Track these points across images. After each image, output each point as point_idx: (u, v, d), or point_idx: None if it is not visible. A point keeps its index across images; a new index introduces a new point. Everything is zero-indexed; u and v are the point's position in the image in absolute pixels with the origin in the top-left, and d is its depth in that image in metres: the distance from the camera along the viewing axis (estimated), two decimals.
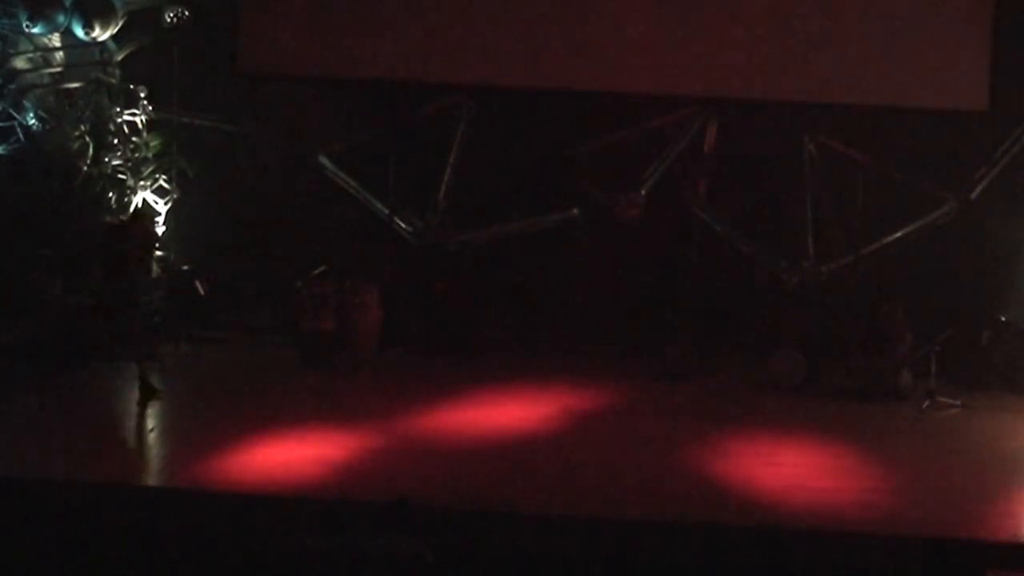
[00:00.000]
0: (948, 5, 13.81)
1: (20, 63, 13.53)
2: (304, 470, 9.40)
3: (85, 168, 13.75)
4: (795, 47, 13.85)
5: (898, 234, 13.45)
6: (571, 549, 8.25)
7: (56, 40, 13.76)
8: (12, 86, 13.39)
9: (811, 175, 13.47)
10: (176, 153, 14.21)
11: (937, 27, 13.77)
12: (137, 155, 14.13)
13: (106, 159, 13.91)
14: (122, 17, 13.86)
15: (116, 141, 13.96)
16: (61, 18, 13.50)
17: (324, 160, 14.02)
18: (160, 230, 14.01)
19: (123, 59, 14.16)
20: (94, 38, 13.70)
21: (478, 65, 14.19)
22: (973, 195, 13.37)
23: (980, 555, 7.96)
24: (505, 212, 14.10)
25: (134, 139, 14.11)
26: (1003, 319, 12.93)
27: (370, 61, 14.19)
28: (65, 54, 13.85)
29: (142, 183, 14.14)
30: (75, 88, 13.81)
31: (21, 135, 13.38)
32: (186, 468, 9.41)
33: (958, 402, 11.90)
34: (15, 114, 13.34)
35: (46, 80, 13.70)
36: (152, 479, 9.54)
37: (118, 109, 14.02)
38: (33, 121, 13.45)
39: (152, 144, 14.28)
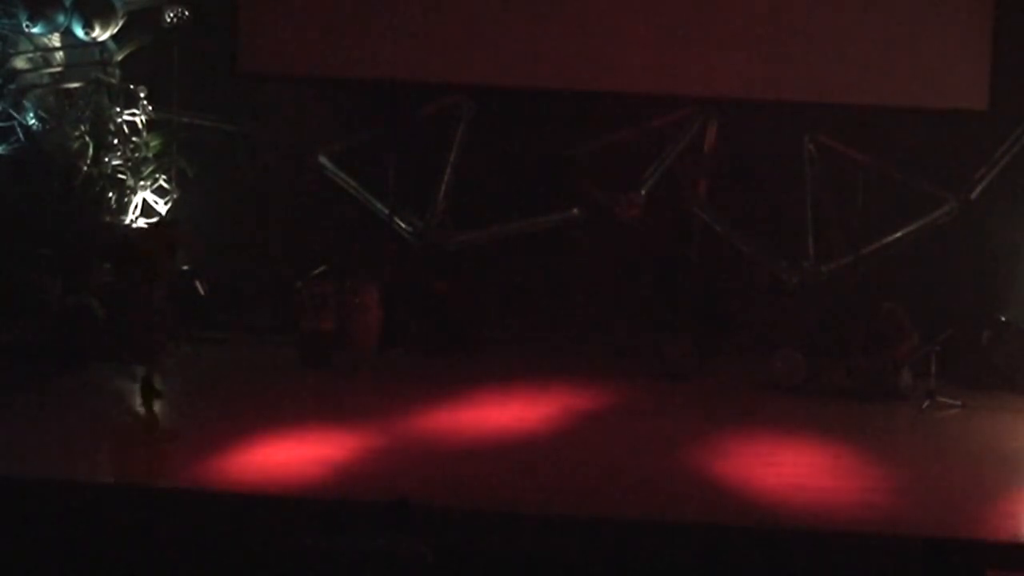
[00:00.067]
0: (948, 5, 13.80)
1: (20, 63, 13.54)
2: (304, 470, 9.40)
3: (85, 168, 13.75)
4: (795, 47, 13.84)
5: (898, 234, 13.44)
6: (571, 549, 8.25)
7: (56, 40, 13.76)
8: (12, 86, 13.40)
9: (811, 175, 13.46)
10: (176, 153, 14.21)
11: (937, 27, 13.76)
12: (137, 155, 14.13)
13: (106, 159, 13.91)
14: (122, 17, 13.86)
15: (116, 141, 13.96)
16: (61, 18, 13.50)
17: (324, 160, 14.01)
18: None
19: (123, 59, 14.16)
20: (94, 38, 13.70)
21: (478, 65, 14.19)
22: (973, 195, 13.36)
23: (980, 555, 7.95)
24: (505, 212, 14.09)
25: (134, 139, 14.11)
26: (1003, 319, 12.92)
27: (370, 61, 14.18)
28: (65, 54, 13.86)
29: (142, 183, 14.13)
30: (75, 88, 13.81)
31: (21, 135, 13.39)
32: (186, 468, 9.41)
33: (958, 402, 11.90)
34: (15, 114, 13.35)
35: (46, 80, 13.70)
36: (152, 479, 9.54)
37: (118, 109, 14.01)
38: (33, 121, 13.46)
39: (152, 144, 14.28)
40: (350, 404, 11.46)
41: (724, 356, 13.53)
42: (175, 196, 14.18)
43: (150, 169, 14.22)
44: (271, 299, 14.03)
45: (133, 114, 14.04)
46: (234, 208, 14.41)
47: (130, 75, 14.13)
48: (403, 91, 14.20)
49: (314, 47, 14.24)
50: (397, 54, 14.11)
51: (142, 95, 14.03)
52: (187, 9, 13.70)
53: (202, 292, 13.70)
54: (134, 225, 13.77)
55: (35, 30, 13.45)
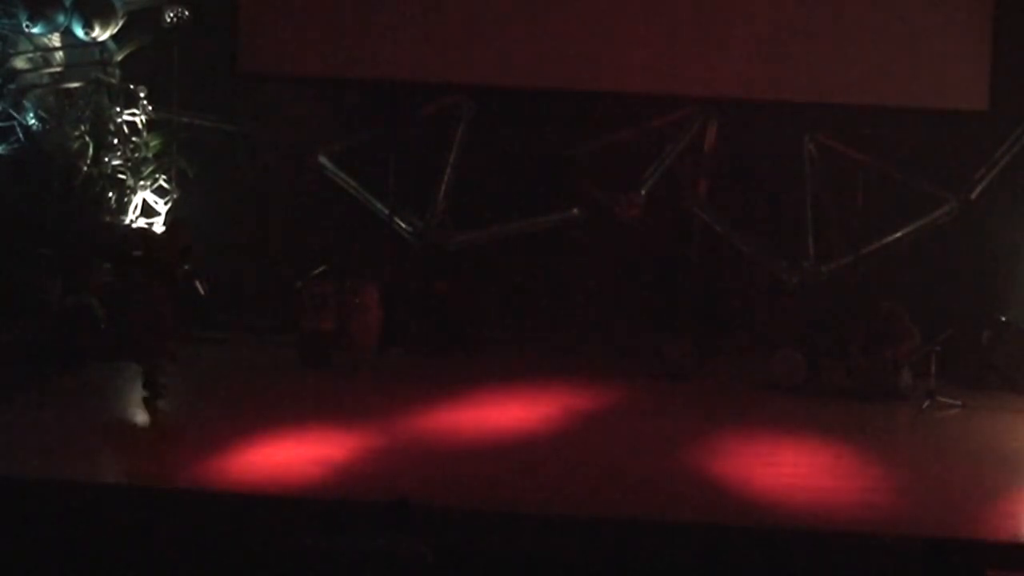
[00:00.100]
0: (948, 5, 13.80)
1: (20, 63, 13.54)
2: (304, 470, 9.40)
3: (85, 168, 13.75)
4: (795, 47, 13.84)
5: (898, 234, 13.44)
6: (571, 549, 8.25)
7: (56, 40, 13.76)
8: (12, 86, 13.39)
9: (811, 175, 13.46)
10: (176, 153, 14.21)
11: (937, 27, 13.76)
12: (137, 155, 14.12)
13: (106, 159, 13.91)
14: (122, 17, 13.86)
15: (116, 141, 13.96)
16: (61, 18, 13.50)
17: (324, 160, 14.01)
18: (159, 229, 14.04)
19: (123, 59, 14.15)
20: (94, 38, 13.70)
21: (478, 65, 14.19)
22: (973, 195, 13.36)
23: (980, 555, 7.95)
24: (505, 212, 14.09)
25: (134, 139, 14.11)
26: (1003, 319, 12.92)
27: (370, 61, 14.19)
28: (65, 54, 13.86)
29: (142, 183, 14.13)
30: (75, 88, 13.81)
31: (21, 135, 13.39)
32: (186, 468, 9.41)
33: (958, 402, 11.90)
34: (15, 114, 13.35)
35: (46, 80, 13.70)
36: (152, 479, 9.54)
37: (118, 109, 14.01)
38: (33, 121, 13.46)
39: (152, 144, 14.28)
40: (350, 404, 11.46)
41: (724, 356, 13.53)
42: (175, 196, 14.18)
43: (150, 169, 14.22)
44: (271, 299, 14.04)
45: (133, 114, 14.04)
46: (234, 208, 14.41)
47: (130, 75, 14.12)
48: (403, 91, 14.21)
49: (314, 47, 14.25)
50: (397, 54, 14.12)
51: (142, 95, 14.03)
52: (187, 9, 13.70)
53: (202, 292, 13.69)
54: (148, 227, 13.74)
55: (35, 30, 13.45)
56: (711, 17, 13.90)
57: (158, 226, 14.07)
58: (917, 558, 7.35)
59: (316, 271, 13.20)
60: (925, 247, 13.58)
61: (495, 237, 14.03)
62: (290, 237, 14.42)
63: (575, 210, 13.91)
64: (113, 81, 14.01)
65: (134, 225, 13.92)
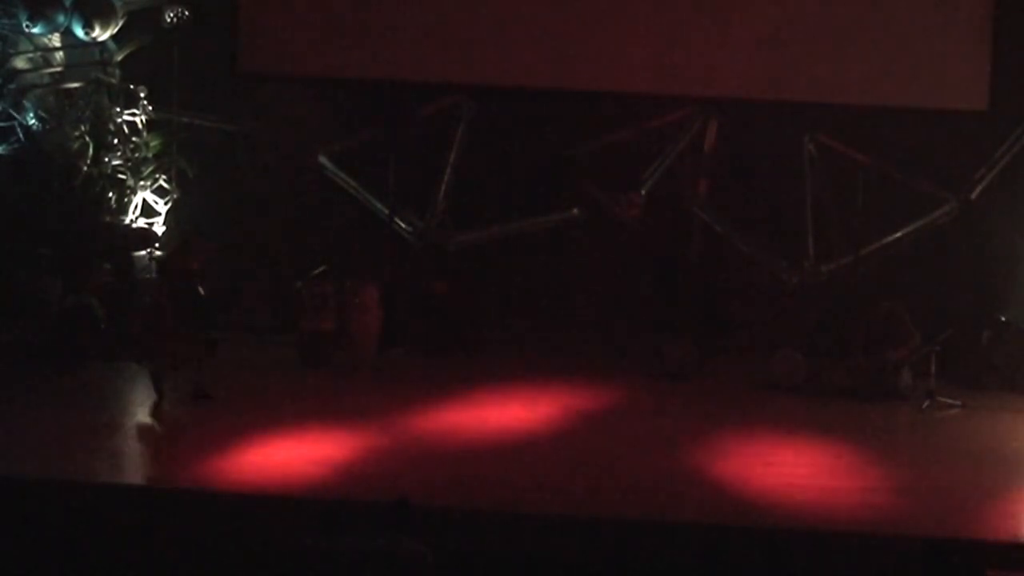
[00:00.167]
0: (948, 5, 13.79)
1: (20, 63, 13.54)
2: (304, 470, 9.40)
3: (85, 168, 13.75)
4: (795, 47, 13.84)
5: (898, 234, 13.44)
6: (571, 549, 8.25)
7: (56, 40, 13.76)
8: (12, 86, 13.40)
9: (811, 175, 13.46)
10: (176, 153, 14.21)
11: (937, 27, 13.76)
12: (137, 155, 14.12)
13: (106, 159, 13.91)
14: (122, 17, 13.86)
15: (116, 141, 13.96)
16: (61, 18, 13.50)
17: (324, 160, 14.00)
18: (160, 230, 14.06)
19: (123, 59, 14.16)
20: (94, 38, 13.71)
21: (478, 65, 14.19)
22: (973, 195, 13.36)
23: (980, 555, 7.95)
24: (505, 212, 14.09)
25: (134, 139, 14.11)
26: (1003, 319, 12.92)
27: (370, 61, 14.19)
28: (65, 54, 13.86)
29: (142, 183, 14.13)
30: (75, 88, 13.82)
31: (21, 135, 13.40)
32: (186, 468, 9.41)
33: (958, 402, 11.89)
34: (15, 114, 13.35)
35: (46, 80, 13.71)
36: (152, 479, 9.54)
37: (118, 109, 14.02)
38: (33, 121, 13.46)
39: (152, 144, 14.28)
40: (350, 404, 11.45)
41: (724, 356, 13.53)
42: (175, 196, 14.18)
43: (150, 169, 14.22)
44: (271, 299, 14.03)
45: (133, 114, 14.04)
46: (234, 208, 14.41)
47: (130, 75, 14.13)
48: (403, 91, 14.21)
49: (314, 47, 14.24)
50: (397, 54, 14.12)
51: (142, 95, 14.03)
52: (187, 9, 13.70)
53: (202, 292, 13.68)
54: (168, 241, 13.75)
55: (35, 30, 13.45)
56: (711, 17, 13.89)
57: (158, 227, 14.10)
58: (917, 558, 7.36)
59: (316, 271, 13.20)
60: (925, 247, 13.58)
61: (495, 237, 14.03)
62: (290, 237, 14.41)
63: (575, 210, 13.90)
64: (113, 81, 14.01)
65: (134, 225, 13.95)
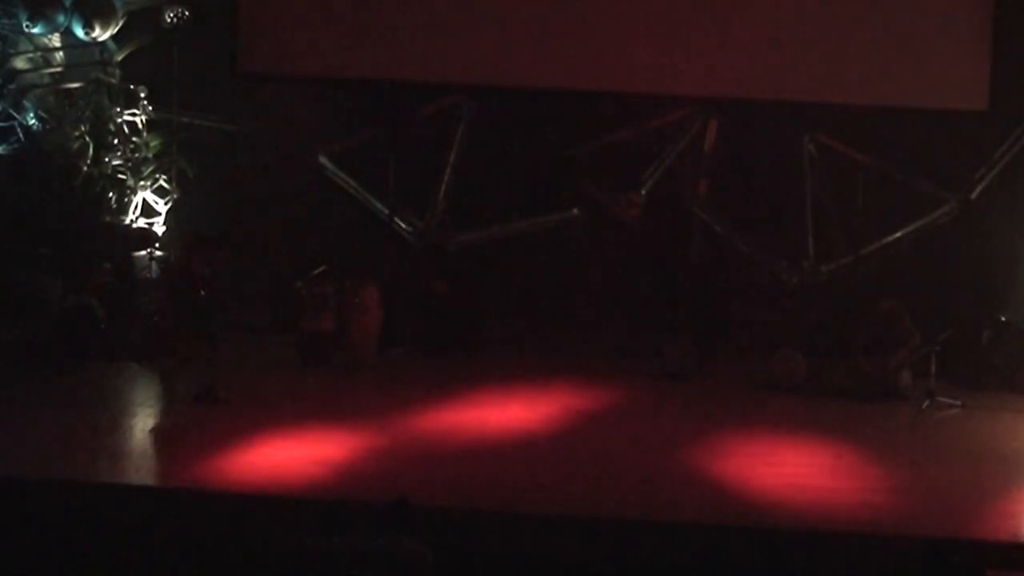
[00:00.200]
0: (948, 5, 13.80)
1: (20, 63, 13.54)
2: (304, 470, 9.39)
3: (85, 168, 13.75)
4: (795, 47, 13.85)
5: (898, 234, 13.45)
6: (571, 549, 8.25)
7: (56, 40, 13.76)
8: (12, 86, 13.40)
9: (811, 175, 13.47)
10: (176, 153, 14.21)
11: (937, 27, 13.76)
12: (137, 155, 14.13)
13: (106, 159, 13.91)
14: (122, 17, 13.86)
15: (116, 141, 13.96)
16: (61, 18, 13.50)
17: (324, 160, 14.01)
18: (160, 230, 14.05)
19: (123, 59, 14.16)
20: (94, 38, 13.71)
21: (478, 65, 14.19)
22: (973, 195, 13.37)
23: (980, 555, 7.95)
24: (505, 212, 14.10)
25: (134, 139, 14.11)
26: (1003, 319, 12.92)
27: (370, 61, 14.19)
28: (65, 54, 13.86)
29: (142, 183, 14.14)
30: (75, 88, 13.82)
31: (21, 135, 13.40)
32: (186, 468, 9.41)
33: (958, 402, 11.89)
34: (15, 114, 13.36)
35: (46, 80, 13.71)
36: (152, 479, 9.54)
37: (118, 109, 14.02)
38: (33, 121, 13.46)
39: (152, 144, 14.28)
40: (350, 404, 11.45)
41: (724, 356, 13.53)
42: (175, 196, 14.18)
43: (150, 169, 14.22)
44: (271, 299, 14.03)
45: (133, 114, 14.05)
46: (234, 208, 14.41)
47: (130, 75, 14.13)
48: (403, 91, 14.21)
49: (314, 47, 14.25)
50: (397, 54, 14.12)
51: (142, 95, 14.04)
52: (187, 9, 13.70)
53: (202, 292, 13.67)
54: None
55: (35, 30, 13.45)
56: (711, 17, 13.90)
57: (158, 227, 14.10)
58: (917, 558, 7.35)
59: (316, 271, 13.20)
60: (925, 247, 13.58)
61: (495, 237, 14.03)
62: (290, 237, 14.41)
63: (575, 210, 13.91)
64: (113, 81, 14.01)
65: (134, 225, 13.94)
